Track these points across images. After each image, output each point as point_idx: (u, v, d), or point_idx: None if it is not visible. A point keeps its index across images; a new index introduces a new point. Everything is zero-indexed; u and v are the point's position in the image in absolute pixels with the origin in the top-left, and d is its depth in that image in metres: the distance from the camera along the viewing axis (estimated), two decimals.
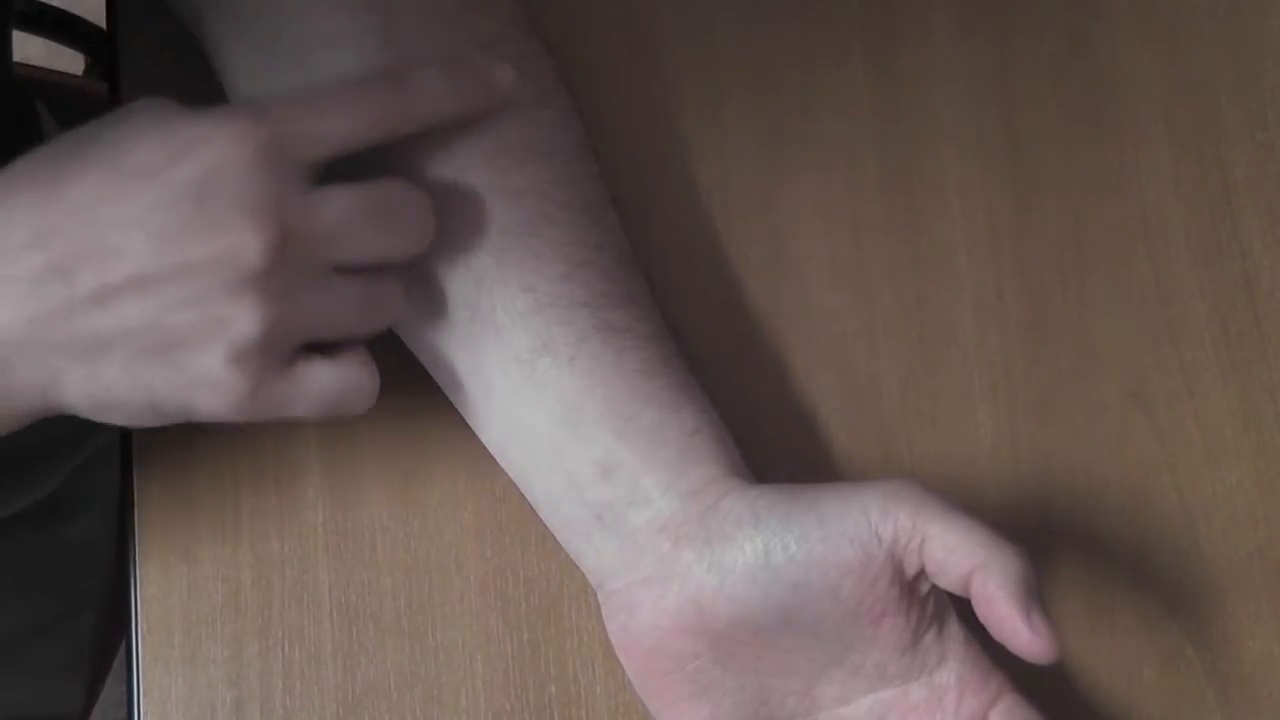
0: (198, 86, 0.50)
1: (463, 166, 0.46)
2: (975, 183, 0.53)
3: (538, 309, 0.45)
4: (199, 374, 0.39)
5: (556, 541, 0.47)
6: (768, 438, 0.50)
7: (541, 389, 0.45)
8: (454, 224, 0.45)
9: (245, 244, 0.38)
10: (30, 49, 0.93)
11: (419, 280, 0.46)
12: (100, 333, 0.39)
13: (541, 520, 0.47)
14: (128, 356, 0.39)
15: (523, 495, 0.47)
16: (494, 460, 0.47)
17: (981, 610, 0.41)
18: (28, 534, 0.72)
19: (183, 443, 0.49)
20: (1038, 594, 0.41)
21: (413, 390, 0.49)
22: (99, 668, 0.80)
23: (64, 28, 0.91)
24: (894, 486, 0.43)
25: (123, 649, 0.49)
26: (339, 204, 0.40)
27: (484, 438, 0.47)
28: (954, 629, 0.44)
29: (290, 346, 0.41)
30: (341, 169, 0.42)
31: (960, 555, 0.42)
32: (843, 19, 0.55)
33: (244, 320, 0.39)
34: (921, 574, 0.43)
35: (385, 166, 0.46)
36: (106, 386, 0.40)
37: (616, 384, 0.45)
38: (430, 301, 0.46)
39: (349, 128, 0.41)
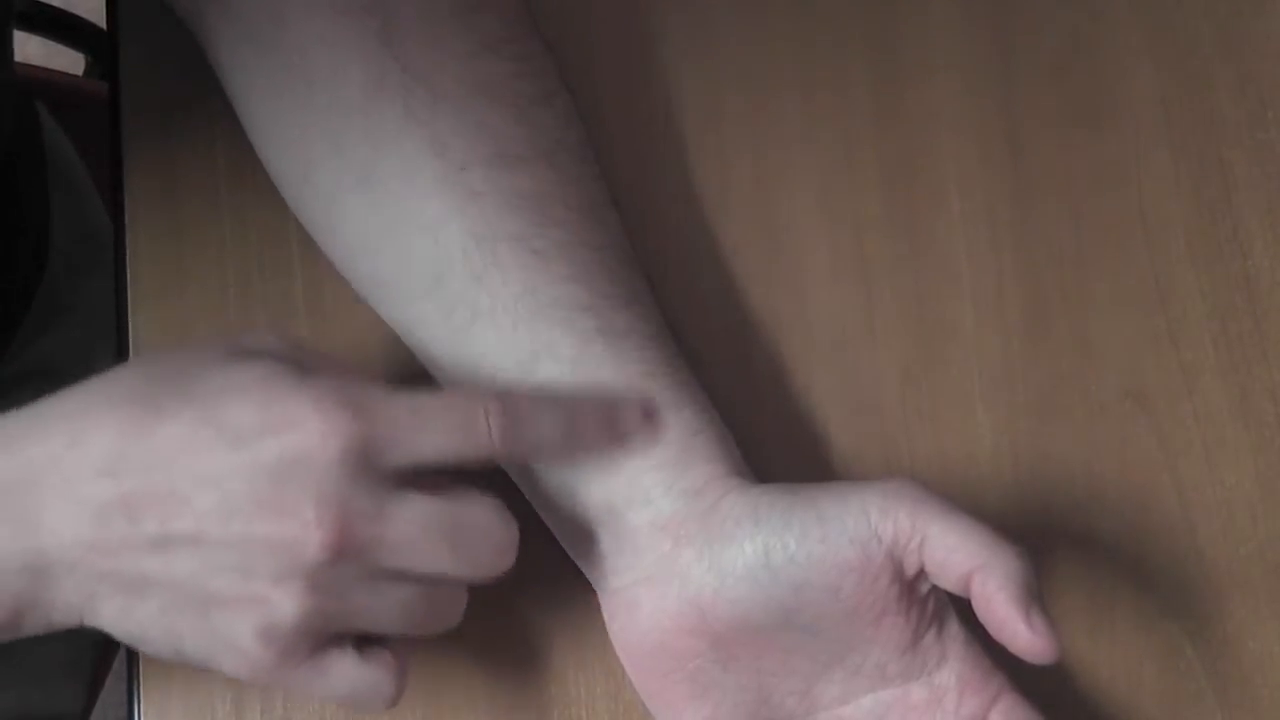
0: (198, 87, 0.51)
1: (464, 166, 0.46)
2: (975, 182, 0.54)
3: (540, 310, 0.45)
4: (228, 639, 0.40)
5: (556, 542, 0.47)
6: (768, 438, 0.50)
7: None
8: (455, 224, 0.45)
9: (308, 537, 0.38)
10: (30, 49, 0.93)
11: (419, 280, 0.46)
12: (148, 574, 0.39)
13: (542, 520, 0.47)
14: (166, 603, 0.40)
15: (523, 495, 0.47)
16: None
17: (981, 610, 0.41)
18: None
19: None
20: (1038, 594, 0.41)
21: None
22: (99, 668, 0.80)
23: (64, 28, 0.91)
24: (894, 486, 0.43)
25: (123, 649, 0.49)
26: (413, 515, 0.40)
27: None
28: (954, 629, 0.44)
29: (324, 635, 0.41)
30: None
31: (960, 555, 0.42)
32: (843, 19, 0.55)
33: (284, 605, 0.39)
34: (921, 574, 0.43)
35: (380, 161, 0.46)
36: (139, 623, 0.40)
37: (618, 384, 0.45)
38: (431, 301, 0.46)
39: (443, 447, 0.40)
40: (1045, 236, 0.53)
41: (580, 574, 0.46)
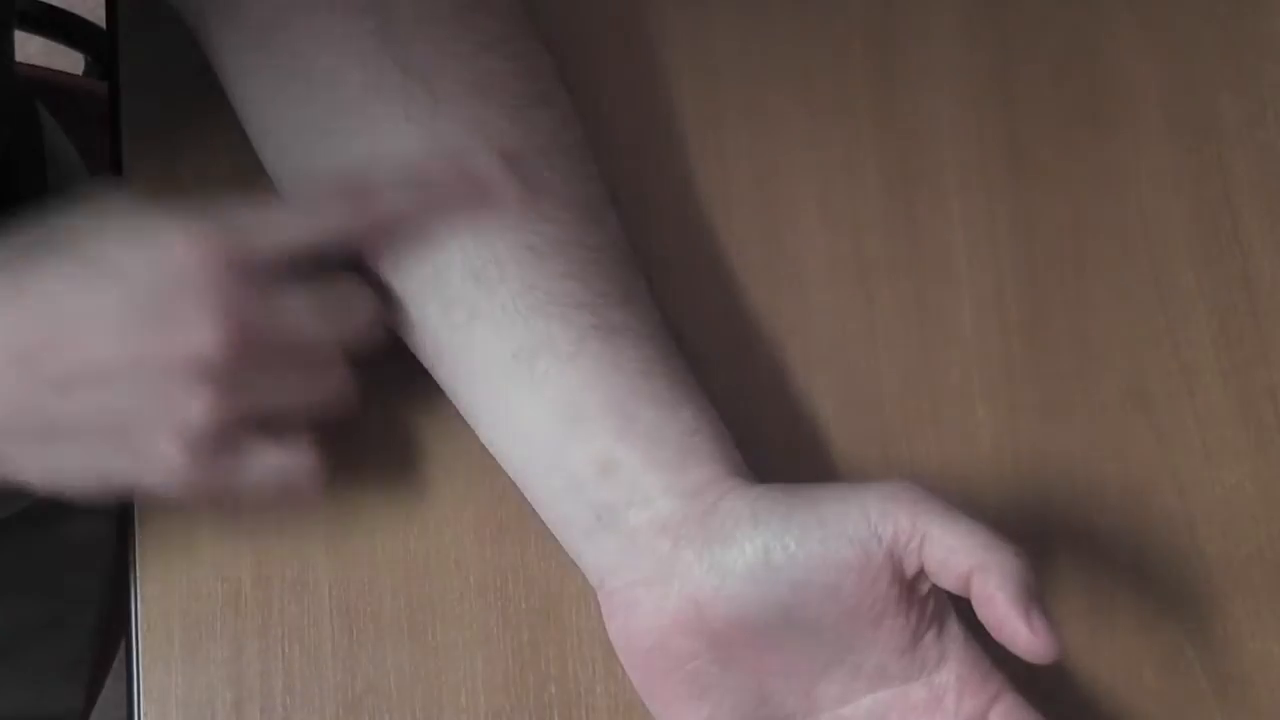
0: (198, 86, 0.51)
1: None
2: (975, 183, 0.53)
3: (537, 308, 0.45)
4: (150, 457, 0.42)
5: (556, 541, 0.47)
6: (768, 438, 0.50)
7: (541, 388, 0.45)
8: (454, 223, 0.45)
9: (205, 341, 0.41)
10: (30, 49, 0.93)
11: (417, 279, 0.46)
12: (59, 418, 0.41)
13: (541, 520, 0.47)
14: (84, 440, 0.42)
15: (523, 495, 0.47)
16: (494, 460, 0.47)
17: (981, 610, 0.41)
18: (28, 534, 0.72)
19: None
20: (1038, 594, 0.41)
21: (413, 390, 0.50)
22: (99, 668, 0.80)
23: (64, 28, 0.91)
24: (893, 487, 0.43)
25: (123, 649, 0.49)
26: (294, 303, 0.43)
27: (483, 437, 0.47)
28: (954, 629, 0.44)
29: (240, 432, 0.43)
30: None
31: (960, 555, 0.42)
32: (843, 19, 0.55)
33: (195, 409, 0.41)
34: (921, 574, 0.43)
35: (378, 159, 0.46)
36: (63, 468, 0.42)
37: (616, 383, 0.45)
38: (429, 300, 0.46)
39: (306, 234, 0.44)
40: (1045, 237, 0.53)
41: (580, 573, 0.46)
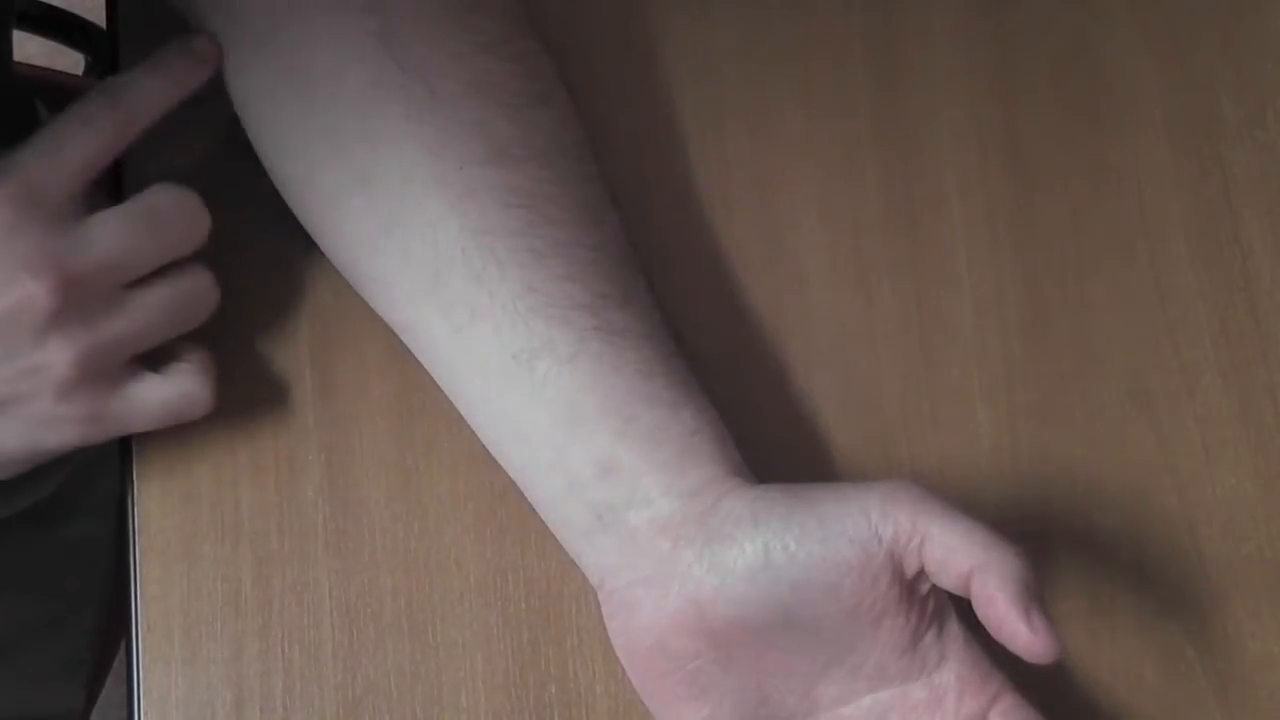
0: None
1: (463, 166, 0.46)
2: (975, 183, 0.54)
3: (538, 309, 0.45)
4: (34, 419, 0.43)
5: (556, 541, 0.47)
6: (768, 438, 0.50)
7: (541, 388, 0.45)
8: (453, 223, 0.45)
9: (29, 295, 0.42)
10: (30, 49, 0.93)
11: (418, 279, 0.46)
12: None
13: (541, 520, 0.47)
14: None
15: (523, 495, 0.47)
16: (494, 460, 0.47)
17: (981, 610, 0.41)
18: (28, 534, 0.72)
19: (182, 442, 0.49)
20: (1038, 594, 0.41)
21: (413, 390, 0.50)
22: (99, 668, 0.80)
23: (64, 27, 0.91)
24: (894, 487, 0.43)
25: (123, 649, 0.49)
26: (107, 231, 0.44)
27: (484, 437, 0.47)
28: (954, 629, 0.44)
29: (113, 368, 0.44)
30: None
31: (960, 555, 0.42)
32: (843, 19, 0.55)
33: (55, 362, 0.42)
34: (921, 574, 0.43)
35: (380, 161, 0.46)
36: None
37: (616, 384, 0.45)
38: (430, 300, 0.46)
39: (87, 156, 0.44)
40: (1045, 237, 0.53)
41: (580, 573, 0.46)
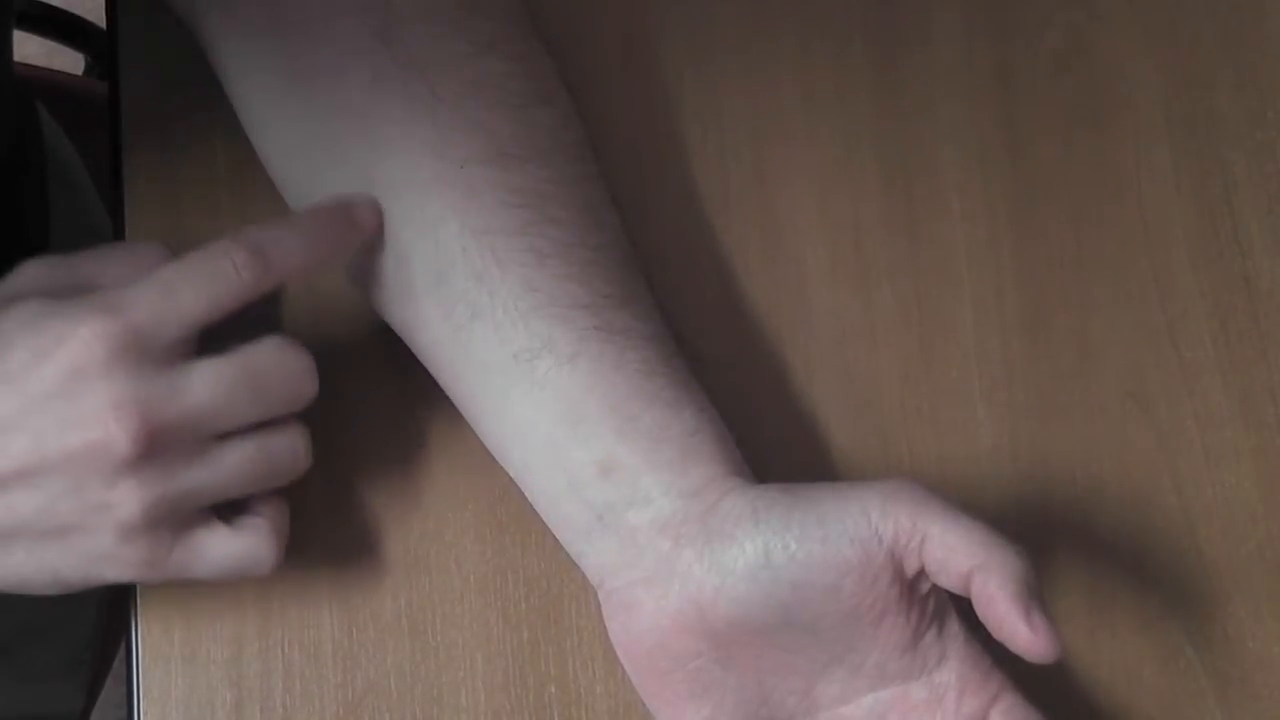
0: (198, 86, 0.51)
1: (464, 165, 0.46)
2: (975, 183, 0.54)
3: (539, 309, 0.45)
4: (95, 553, 0.42)
5: (556, 541, 0.47)
6: (768, 438, 0.50)
7: (542, 388, 0.45)
8: (454, 223, 0.45)
9: (112, 437, 0.41)
10: (30, 49, 0.93)
11: (418, 278, 0.46)
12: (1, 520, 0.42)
13: (541, 520, 0.47)
14: (28, 543, 0.42)
15: (523, 495, 0.47)
16: (494, 460, 0.47)
17: (981, 610, 0.41)
18: None
19: None
20: (1038, 593, 0.41)
21: (413, 390, 0.50)
22: (99, 668, 0.80)
23: (64, 27, 0.91)
24: (894, 486, 0.43)
25: (123, 649, 0.49)
26: (207, 382, 0.42)
27: (484, 437, 0.47)
28: (954, 628, 0.44)
29: (181, 518, 0.43)
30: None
31: (960, 554, 0.42)
32: (843, 19, 0.55)
33: (125, 504, 0.41)
34: (921, 573, 0.43)
35: (380, 160, 0.46)
36: (14, 570, 0.43)
37: (617, 383, 0.45)
38: (430, 300, 0.46)
39: (206, 306, 0.42)
40: (1045, 236, 0.53)
41: (580, 573, 0.46)
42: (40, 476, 0.41)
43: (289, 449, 0.45)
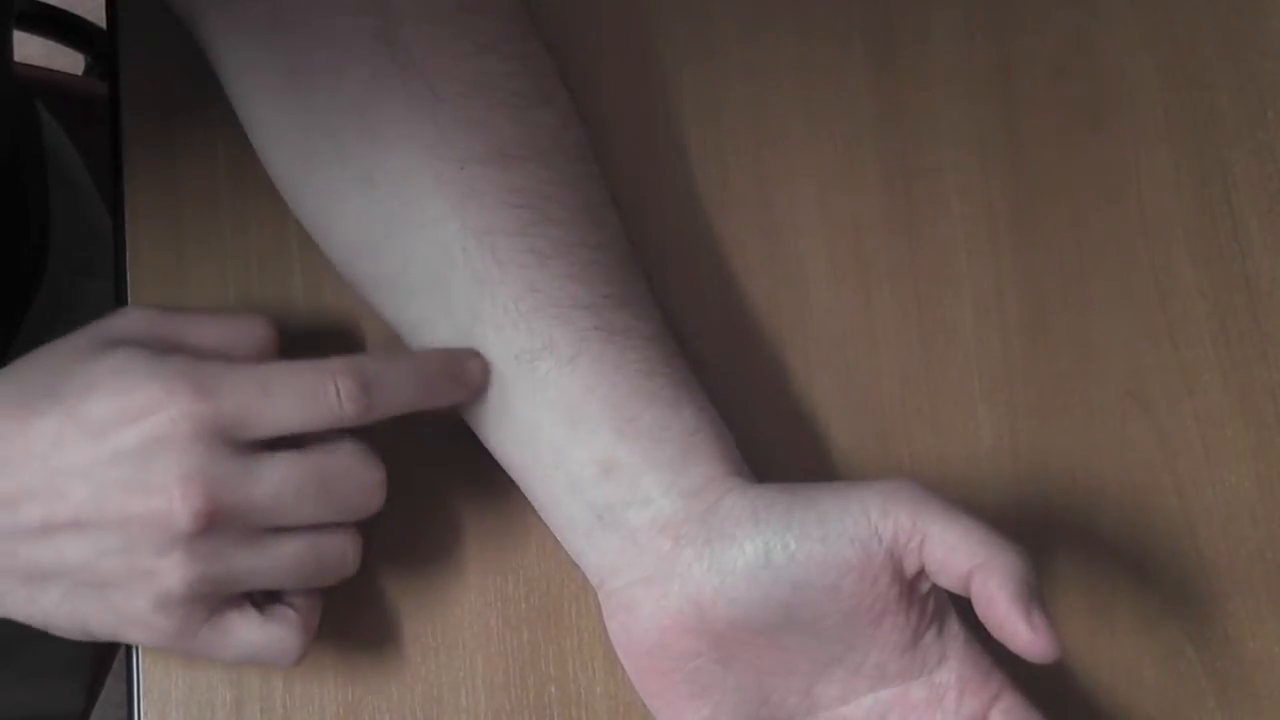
0: (198, 86, 0.51)
1: (464, 165, 0.46)
2: (975, 183, 0.54)
3: (539, 309, 0.45)
4: (128, 613, 0.43)
5: (556, 541, 0.47)
6: (768, 438, 0.50)
7: (542, 388, 0.45)
8: (454, 223, 0.45)
9: (175, 510, 0.41)
10: (30, 49, 0.93)
11: (419, 279, 0.46)
12: (41, 564, 0.42)
13: (541, 520, 0.47)
14: (65, 588, 0.43)
15: (523, 495, 0.47)
16: (494, 460, 0.47)
17: (981, 609, 0.41)
18: None
19: None
20: (1038, 593, 0.41)
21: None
22: (99, 668, 0.80)
23: (64, 28, 0.91)
24: (894, 486, 0.43)
25: (123, 649, 0.49)
26: (276, 476, 0.42)
27: (484, 438, 0.47)
28: (954, 628, 0.44)
29: (219, 598, 0.43)
30: None
31: (960, 554, 0.42)
32: (843, 19, 0.55)
33: (171, 575, 0.42)
34: (921, 573, 0.43)
35: (380, 160, 0.46)
36: (45, 610, 0.43)
37: (617, 383, 0.45)
38: (431, 301, 0.46)
39: (296, 419, 0.42)
40: (1045, 237, 0.53)
41: (580, 573, 0.46)
42: (94, 530, 0.42)
43: (339, 553, 0.44)
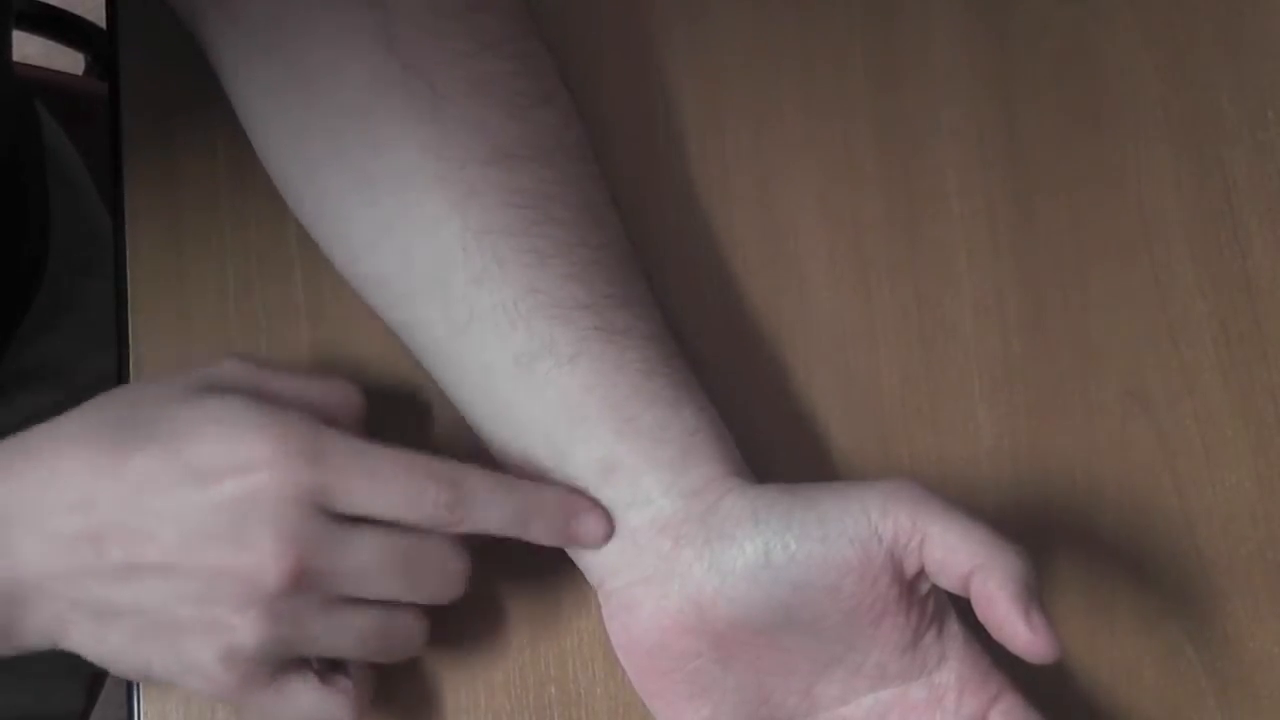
0: (198, 85, 0.51)
1: (465, 165, 0.46)
2: (975, 183, 0.54)
3: (539, 309, 0.45)
4: (193, 663, 0.42)
5: None
6: (768, 438, 0.50)
7: (542, 389, 0.45)
8: (455, 223, 0.45)
9: (264, 568, 0.41)
10: (30, 49, 0.93)
11: (419, 279, 0.46)
12: (116, 603, 0.42)
13: None
14: (135, 629, 0.42)
15: None
16: (495, 460, 0.47)
17: (981, 610, 0.41)
18: None
19: None
20: (1038, 593, 0.41)
21: (412, 390, 0.49)
22: (99, 668, 0.80)
23: (64, 28, 0.91)
24: (894, 486, 0.43)
25: None
26: (365, 550, 0.42)
27: (484, 437, 0.47)
28: (954, 628, 0.44)
29: (284, 660, 0.43)
30: None
31: (960, 555, 0.42)
32: (843, 19, 0.55)
33: (245, 631, 0.42)
34: (921, 573, 0.43)
35: (381, 160, 0.46)
36: (110, 648, 0.43)
37: (617, 383, 0.45)
38: (431, 300, 0.46)
39: (389, 511, 0.42)
40: (1045, 237, 0.53)
41: (579, 573, 0.46)
42: (177, 575, 0.41)
43: (408, 631, 0.44)
